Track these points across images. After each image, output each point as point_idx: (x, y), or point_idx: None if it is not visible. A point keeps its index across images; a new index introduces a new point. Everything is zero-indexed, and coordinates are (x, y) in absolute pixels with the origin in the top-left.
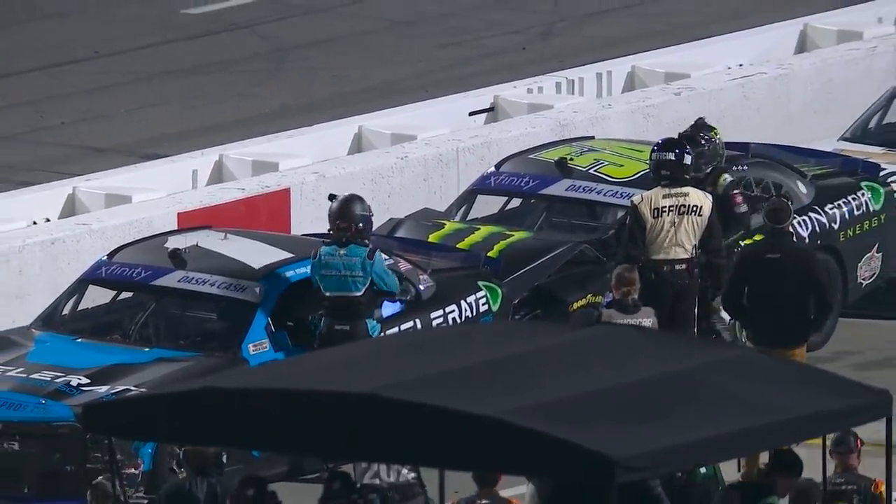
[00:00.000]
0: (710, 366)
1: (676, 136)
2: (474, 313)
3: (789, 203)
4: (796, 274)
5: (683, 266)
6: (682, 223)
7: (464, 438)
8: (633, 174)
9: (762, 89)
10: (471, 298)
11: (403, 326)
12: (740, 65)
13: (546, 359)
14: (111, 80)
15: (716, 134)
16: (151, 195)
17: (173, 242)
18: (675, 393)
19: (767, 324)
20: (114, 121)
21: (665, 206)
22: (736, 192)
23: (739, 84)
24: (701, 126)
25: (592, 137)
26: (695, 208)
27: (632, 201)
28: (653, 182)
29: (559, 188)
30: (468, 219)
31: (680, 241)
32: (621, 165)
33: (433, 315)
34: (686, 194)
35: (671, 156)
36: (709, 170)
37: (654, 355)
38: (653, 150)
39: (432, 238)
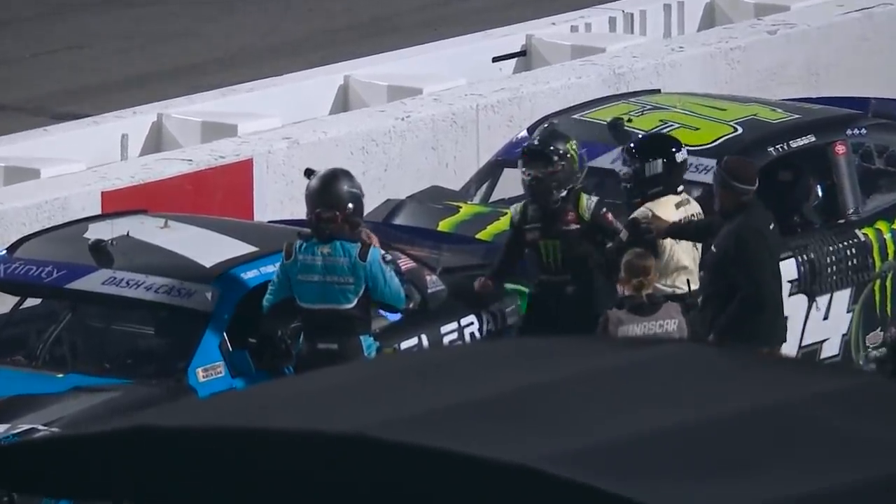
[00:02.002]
0: (820, 397)
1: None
2: (499, 325)
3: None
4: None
5: (682, 302)
6: (687, 243)
7: (484, 493)
8: (712, 140)
9: (888, 26)
10: (494, 306)
11: (404, 344)
12: None
13: (596, 387)
14: (12, 13)
15: (571, 145)
16: (67, 168)
17: (96, 232)
18: (771, 434)
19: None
20: (16, 68)
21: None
22: (604, 211)
23: (856, 19)
24: (554, 136)
25: (658, 91)
26: None
27: (635, 219)
28: (632, 196)
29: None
30: (492, 200)
31: (683, 265)
32: (696, 129)
33: (444, 329)
34: (689, 201)
35: (684, 154)
36: (564, 193)
37: (741, 382)
38: (645, 153)
39: (443, 226)
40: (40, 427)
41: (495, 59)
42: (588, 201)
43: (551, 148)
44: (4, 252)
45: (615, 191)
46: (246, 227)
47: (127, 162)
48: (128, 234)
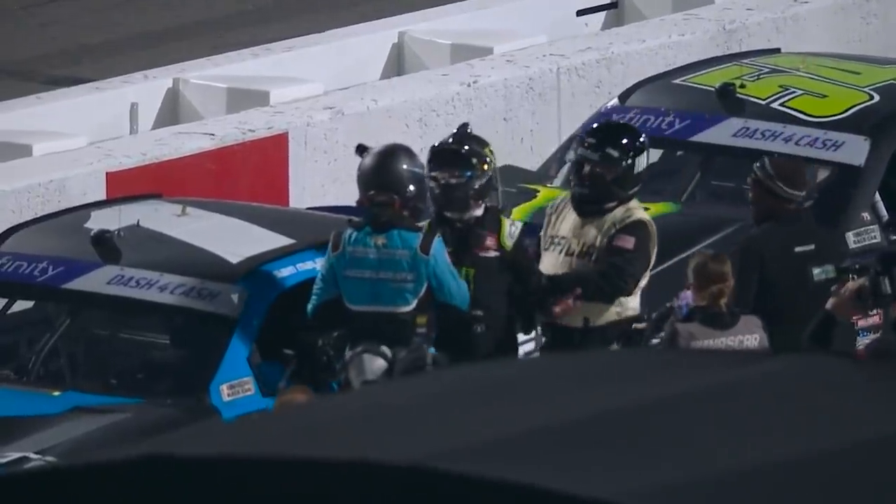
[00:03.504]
0: None
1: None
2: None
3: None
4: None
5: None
6: None
7: None
8: (843, 110)
9: None
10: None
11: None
12: None
13: (701, 408)
14: None
15: (490, 152)
16: (64, 143)
17: (100, 221)
18: None
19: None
20: (3, 24)
21: None
22: (527, 244)
23: None
24: (470, 137)
25: (778, 51)
26: None
27: (643, 219)
28: (608, 198)
29: (723, 133)
30: None
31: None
32: (824, 96)
33: (522, 337)
34: None
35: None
36: (480, 211)
37: (882, 401)
38: (633, 146)
39: (518, 213)
40: (32, 456)
41: (580, 13)
42: (511, 228)
43: (467, 149)
44: None
45: (731, 173)
46: (280, 216)
47: (137, 136)
48: (138, 224)
